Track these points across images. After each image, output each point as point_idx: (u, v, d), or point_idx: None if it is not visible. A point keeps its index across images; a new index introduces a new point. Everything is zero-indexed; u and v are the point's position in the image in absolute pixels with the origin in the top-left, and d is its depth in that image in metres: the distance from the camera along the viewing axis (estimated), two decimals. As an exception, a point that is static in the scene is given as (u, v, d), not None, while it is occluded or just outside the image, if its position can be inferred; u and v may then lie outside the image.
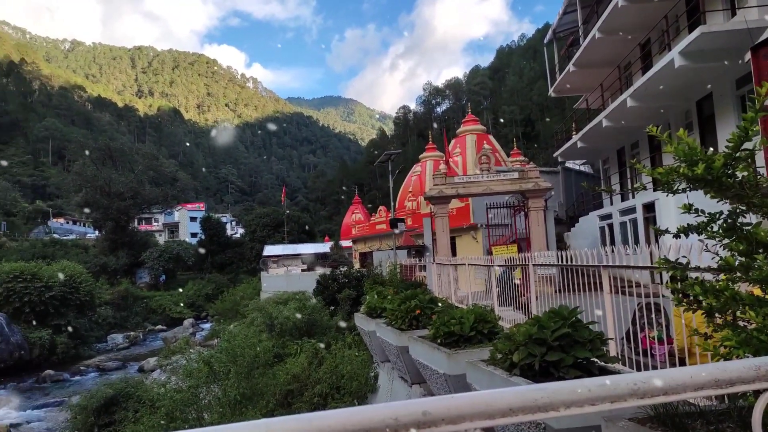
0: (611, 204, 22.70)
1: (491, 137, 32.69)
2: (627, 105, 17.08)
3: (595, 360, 4.07)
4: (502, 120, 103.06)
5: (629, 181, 22.63)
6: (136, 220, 71.65)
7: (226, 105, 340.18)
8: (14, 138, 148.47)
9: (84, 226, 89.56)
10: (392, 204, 23.10)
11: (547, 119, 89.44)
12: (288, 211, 67.42)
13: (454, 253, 21.61)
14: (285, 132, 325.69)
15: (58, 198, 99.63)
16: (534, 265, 7.84)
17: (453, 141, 31.09)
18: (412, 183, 35.84)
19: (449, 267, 14.04)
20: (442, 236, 19.40)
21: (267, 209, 76.44)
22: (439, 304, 7.73)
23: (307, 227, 73.59)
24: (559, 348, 3.95)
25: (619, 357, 4.53)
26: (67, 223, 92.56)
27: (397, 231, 20.26)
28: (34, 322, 35.39)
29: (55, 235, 72.71)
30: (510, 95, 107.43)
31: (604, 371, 4.06)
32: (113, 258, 59.06)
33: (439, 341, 5.76)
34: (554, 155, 28.61)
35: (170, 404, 9.79)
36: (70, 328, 36.69)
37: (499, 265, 10.25)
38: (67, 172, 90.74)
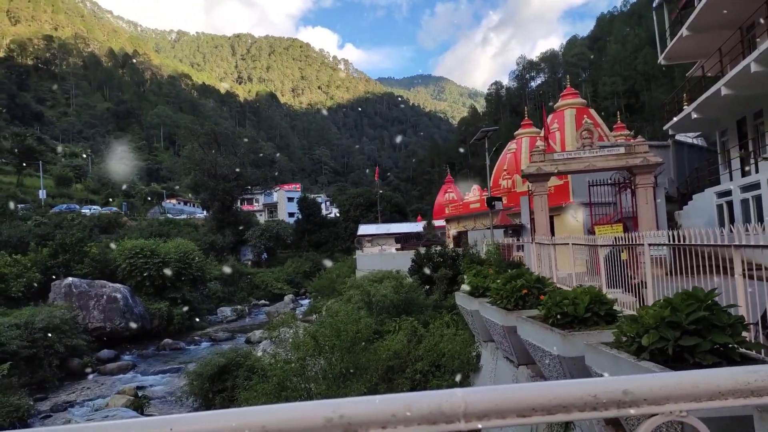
0: (730, 180, 20.83)
1: (592, 111, 31.03)
2: (751, 70, 15.48)
3: (735, 346, 3.77)
4: (602, 93, 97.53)
5: (752, 153, 20.62)
6: (239, 201, 75.77)
7: (319, 87, 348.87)
8: (130, 125, 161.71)
9: (193, 206, 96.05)
10: (488, 182, 22.65)
11: (654, 90, 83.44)
12: (381, 191, 68.27)
13: (552, 233, 20.90)
14: (376, 112, 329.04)
15: (170, 180, 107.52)
16: (650, 244, 7.40)
17: (550, 116, 29.85)
18: (507, 161, 34.87)
19: (550, 247, 13.59)
20: (541, 215, 18.79)
21: (360, 189, 77.86)
22: (547, 285, 7.52)
23: (398, 206, 74.28)
24: (695, 332, 3.69)
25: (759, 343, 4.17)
26: (179, 203, 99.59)
27: (494, 210, 19.88)
28: (154, 295, 38.72)
29: (169, 215, 78.59)
30: (611, 65, 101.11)
31: (746, 358, 3.75)
32: (220, 236, 62.95)
33: (551, 322, 5.60)
34: (664, 128, 26.66)
35: (281, 374, 10.34)
36: (185, 302, 39.75)
37: (608, 245, 9.78)
38: (178, 156, 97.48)
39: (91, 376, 27.42)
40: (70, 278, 34.86)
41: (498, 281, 7.87)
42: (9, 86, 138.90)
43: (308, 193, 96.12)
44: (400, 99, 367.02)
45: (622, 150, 18.41)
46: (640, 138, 20.13)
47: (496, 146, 28.42)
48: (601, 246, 10.39)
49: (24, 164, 77.00)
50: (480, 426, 0.84)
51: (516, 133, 35.44)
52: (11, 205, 51.45)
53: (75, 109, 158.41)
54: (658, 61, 27.06)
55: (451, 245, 33.28)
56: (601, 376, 4.49)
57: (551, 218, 23.36)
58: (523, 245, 18.37)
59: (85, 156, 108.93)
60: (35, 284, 34.40)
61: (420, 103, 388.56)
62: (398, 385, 10.88)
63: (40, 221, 48.13)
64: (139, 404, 21.24)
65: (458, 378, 9.96)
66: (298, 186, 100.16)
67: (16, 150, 77.05)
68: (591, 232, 18.21)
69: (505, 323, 7.19)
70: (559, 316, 5.51)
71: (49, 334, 27.15)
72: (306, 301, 47.71)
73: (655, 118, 70.11)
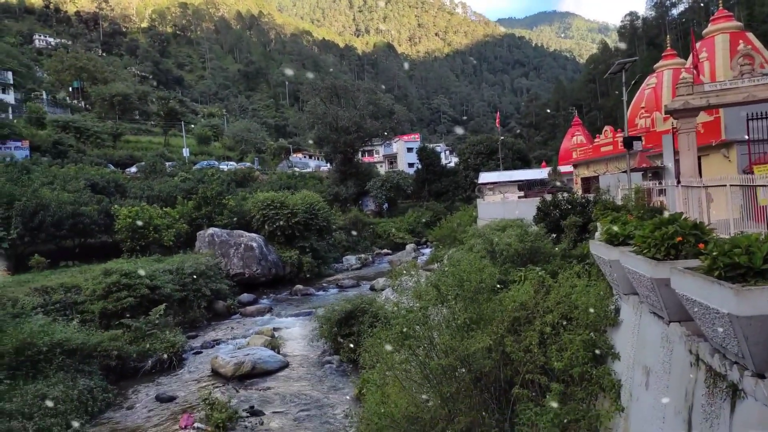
0: None
1: (749, 35, 26.80)
2: None
3: None
4: (760, 16, 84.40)
5: None
6: (360, 153, 77.24)
7: (436, 34, 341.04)
8: (259, 84, 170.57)
9: (318, 159, 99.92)
10: (624, 120, 20.58)
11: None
12: (502, 138, 65.81)
13: (699, 175, 18.69)
14: (496, 56, 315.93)
15: (296, 135, 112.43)
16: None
17: (698, 43, 26.33)
18: (646, 97, 31.58)
19: (700, 190, 11.99)
20: (687, 155, 16.72)
21: (480, 137, 75.75)
22: (706, 232, 6.47)
23: (520, 152, 71.51)
24: None
25: None
26: (304, 157, 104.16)
27: (632, 151, 18.05)
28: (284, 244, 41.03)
29: (296, 169, 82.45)
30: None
31: None
32: (343, 188, 64.99)
33: (717, 274, 4.73)
34: None
35: (404, 322, 10.29)
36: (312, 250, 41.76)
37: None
38: (302, 111, 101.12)
39: (234, 317, 29.96)
40: (212, 228, 37.81)
41: (645, 228, 6.94)
42: (153, 54, 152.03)
43: (427, 142, 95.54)
44: (521, 40, 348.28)
45: (792, 76, 15.66)
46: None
47: (634, 80, 25.73)
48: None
49: (169, 125, 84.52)
50: None
51: (656, 66, 31.83)
52: (160, 163, 56.97)
53: (210, 72, 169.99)
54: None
55: (580, 191, 31.26)
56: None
57: (698, 159, 20.87)
58: (665, 189, 16.56)
59: (221, 115, 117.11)
60: (183, 234, 37.91)
61: (544, 42, 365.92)
62: (526, 337, 10.36)
63: (185, 177, 52.70)
64: (276, 344, 22.79)
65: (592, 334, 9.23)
66: (417, 136, 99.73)
67: (162, 113, 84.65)
68: (747, 172, 16.02)
69: (655, 275, 6.31)
70: (727, 268, 4.63)
71: (197, 279, 29.99)
72: (427, 250, 48.03)
73: (832, 39, 59.51)
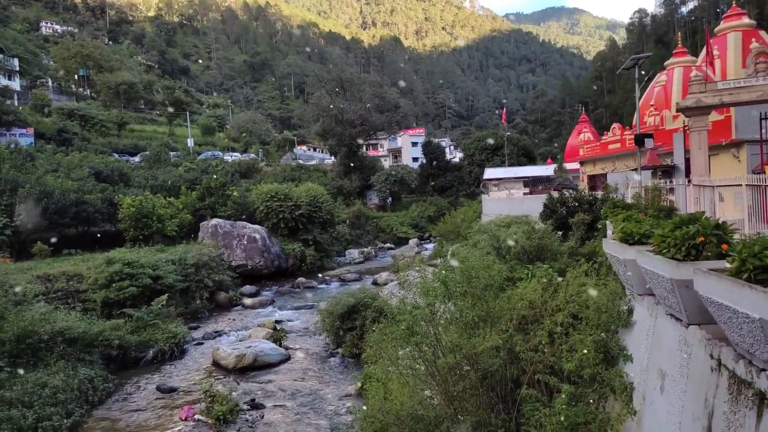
0: None
1: (763, 33, 26.43)
2: None
3: None
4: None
5: None
6: (364, 146, 76.98)
7: (443, 28, 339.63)
8: (264, 76, 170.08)
9: (322, 152, 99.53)
10: (636, 117, 20.31)
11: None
12: (508, 133, 65.45)
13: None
14: (502, 52, 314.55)
15: (300, 128, 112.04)
16: None
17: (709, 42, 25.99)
18: (655, 95, 31.27)
19: (712, 190, 11.77)
20: (698, 154, 16.54)
21: (485, 132, 75.37)
22: (728, 232, 6.22)
23: (525, 149, 71.09)
24: None
25: None
26: (309, 150, 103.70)
27: (642, 149, 17.80)
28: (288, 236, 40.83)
29: (300, 161, 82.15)
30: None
31: None
32: (347, 181, 64.75)
33: (745, 277, 4.51)
34: None
35: (410, 319, 10.08)
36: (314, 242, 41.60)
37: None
38: (307, 104, 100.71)
39: (235, 309, 29.81)
40: (216, 219, 37.62)
41: (664, 227, 6.71)
42: (159, 43, 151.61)
43: (432, 137, 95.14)
44: (529, 36, 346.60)
45: (809, 75, 15.42)
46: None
47: (646, 77, 25.43)
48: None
49: (174, 115, 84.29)
50: None
51: (666, 63, 31.49)
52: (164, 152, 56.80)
53: (216, 63, 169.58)
54: None
55: (586, 189, 31.01)
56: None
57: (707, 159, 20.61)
58: (673, 188, 16.37)
59: (226, 106, 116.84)
60: (186, 225, 37.75)
61: (551, 38, 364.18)
62: (535, 336, 10.15)
63: (189, 167, 52.50)
64: (278, 337, 22.61)
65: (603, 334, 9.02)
66: (422, 130, 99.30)
67: (167, 102, 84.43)
68: (758, 172, 15.81)
69: (675, 276, 6.08)
70: (757, 270, 4.40)
71: (200, 270, 29.84)
72: (430, 245, 47.84)
73: (844, 39, 58.77)
